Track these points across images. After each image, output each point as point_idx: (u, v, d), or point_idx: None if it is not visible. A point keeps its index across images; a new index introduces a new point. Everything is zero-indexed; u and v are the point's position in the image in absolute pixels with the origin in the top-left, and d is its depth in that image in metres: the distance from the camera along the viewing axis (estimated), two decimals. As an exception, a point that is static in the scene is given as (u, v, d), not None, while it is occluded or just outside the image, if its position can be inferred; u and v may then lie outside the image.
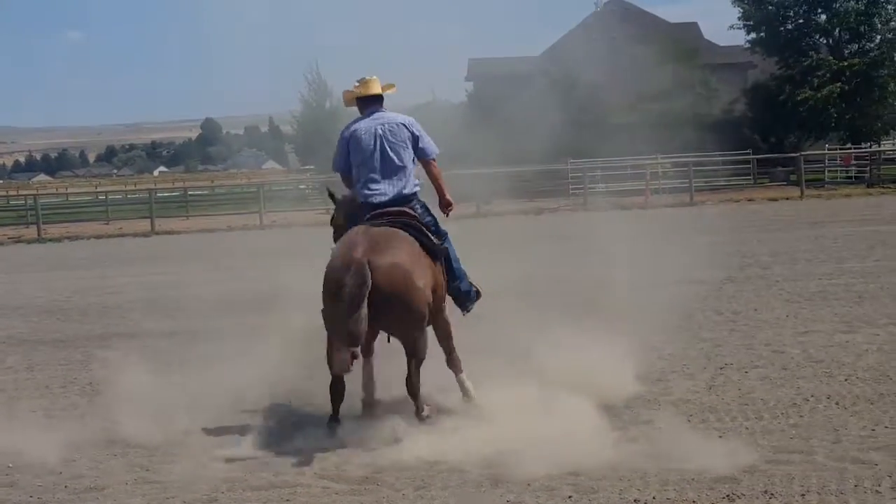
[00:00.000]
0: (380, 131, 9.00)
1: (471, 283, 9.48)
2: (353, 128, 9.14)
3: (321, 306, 8.55)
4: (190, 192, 59.74)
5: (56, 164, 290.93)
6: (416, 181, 9.16)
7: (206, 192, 68.68)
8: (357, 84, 9.25)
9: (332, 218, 9.84)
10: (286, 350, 10.75)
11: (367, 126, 9.08)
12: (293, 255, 17.19)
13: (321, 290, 8.47)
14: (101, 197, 60.12)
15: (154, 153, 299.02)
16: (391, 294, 8.26)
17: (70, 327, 16.08)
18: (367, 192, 8.95)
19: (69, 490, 7.76)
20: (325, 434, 8.48)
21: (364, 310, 8.07)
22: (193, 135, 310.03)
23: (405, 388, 8.68)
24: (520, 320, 11.17)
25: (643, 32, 56.77)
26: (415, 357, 8.62)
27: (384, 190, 8.92)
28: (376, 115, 9.14)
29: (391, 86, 9.35)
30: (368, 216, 8.81)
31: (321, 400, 9.01)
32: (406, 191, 9.00)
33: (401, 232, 8.67)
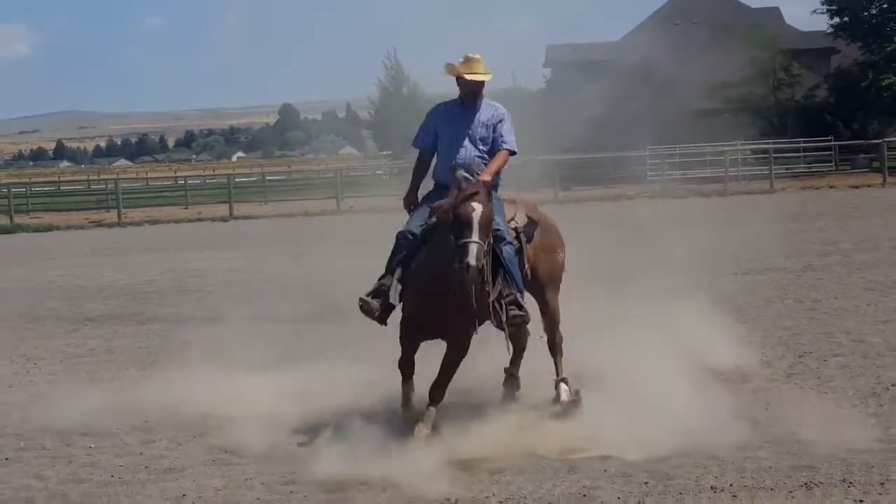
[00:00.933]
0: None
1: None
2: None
3: None
4: (268, 178, 60.26)
5: (136, 149, 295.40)
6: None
7: (283, 177, 69.27)
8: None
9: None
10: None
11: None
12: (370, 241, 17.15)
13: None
14: (181, 182, 60.81)
15: (232, 138, 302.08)
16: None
17: (150, 309, 16.33)
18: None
19: (149, 470, 7.90)
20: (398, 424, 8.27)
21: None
22: (272, 120, 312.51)
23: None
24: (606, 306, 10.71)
25: (724, 18, 56.10)
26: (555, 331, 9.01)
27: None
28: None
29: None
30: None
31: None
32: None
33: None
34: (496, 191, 8.55)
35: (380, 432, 7.97)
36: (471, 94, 8.67)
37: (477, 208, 7.72)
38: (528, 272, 8.64)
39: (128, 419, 9.17)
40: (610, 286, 10.92)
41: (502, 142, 8.60)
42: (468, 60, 8.61)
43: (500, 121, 8.64)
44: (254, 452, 8.10)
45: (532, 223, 8.79)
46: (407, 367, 8.38)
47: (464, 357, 8.26)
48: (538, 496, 6.90)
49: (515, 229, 8.60)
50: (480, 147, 8.62)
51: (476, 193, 7.82)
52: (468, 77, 8.58)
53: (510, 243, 8.41)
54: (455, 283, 7.71)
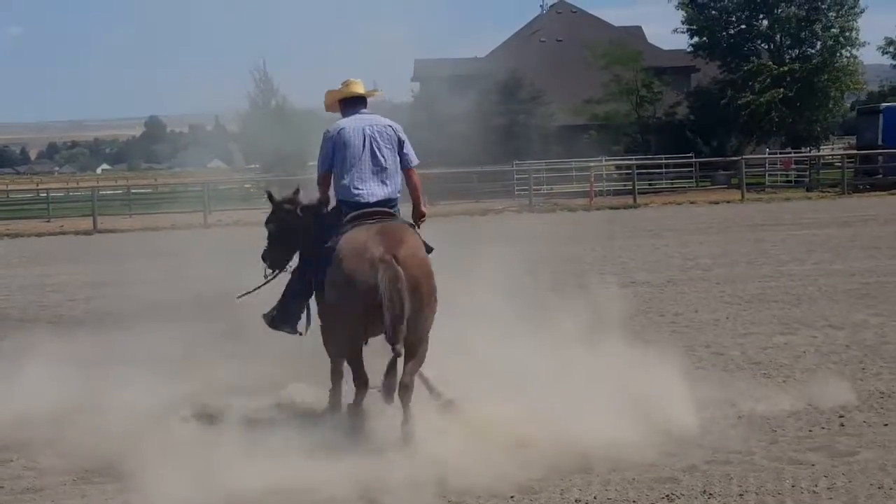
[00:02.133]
0: (368, 131, 8.70)
1: None
2: (339, 126, 8.79)
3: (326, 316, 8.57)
4: (133, 191, 59.18)
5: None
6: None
7: (149, 190, 68.13)
8: (341, 85, 8.97)
9: (269, 220, 9.40)
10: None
11: (354, 125, 8.76)
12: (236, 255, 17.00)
13: (334, 297, 8.26)
14: (43, 194, 59.36)
15: (97, 150, 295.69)
16: (416, 287, 7.98)
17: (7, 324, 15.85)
18: (355, 191, 8.59)
19: (6, 490, 7.72)
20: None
21: (406, 305, 7.80)
22: (137, 132, 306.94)
23: (397, 395, 8.06)
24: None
25: (588, 35, 57.17)
26: (418, 359, 8.29)
27: (373, 191, 8.61)
28: (361, 115, 8.88)
29: (375, 91, 9.15)
30: (353, 216, 8.49)
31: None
32: (394, 195, 8.76)
33: (406, 226, 8.61)
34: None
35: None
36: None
37: None
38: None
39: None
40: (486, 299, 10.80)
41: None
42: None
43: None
44: (118, 472, 7.88)
45: None
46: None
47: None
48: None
49: None
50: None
51: None
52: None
53: None
54: None
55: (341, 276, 8.14)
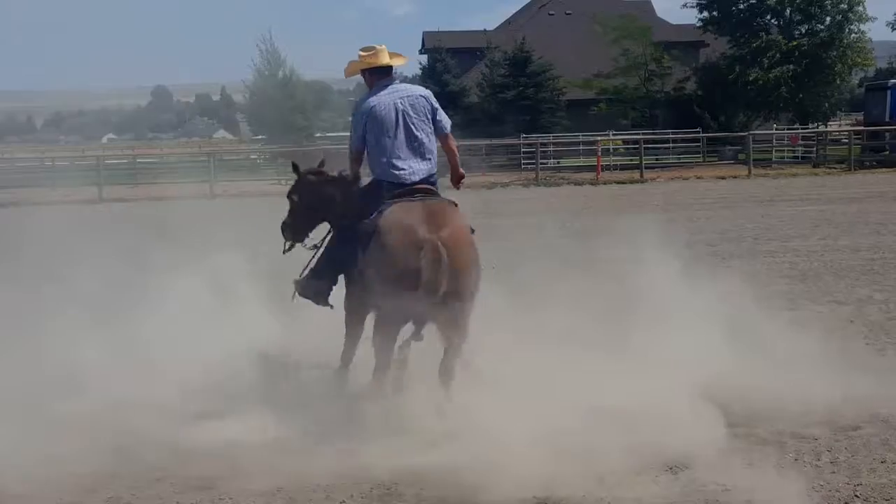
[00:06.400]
0: (400, 106, 8.40)
1: None
2: (370, 104, 8.42)
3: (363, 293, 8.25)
4: (139, 160, 59.11)
5: (2, 128, 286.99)
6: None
7: (155, 160, 68.08)
8: (364, 53, 8.62)
9: (293, 191, 9.03)
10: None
11: (385, 101, 8.42)
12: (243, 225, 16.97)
13: (376, 275, 7.95)
14: (48, 164, 59.21)
15: (103, 119, 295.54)
16: (460, 269, 7.80)
17: None
18: (396, 171, 8.31)
19: None
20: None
21: (446, 288, 7.63)
22: (143, 102, 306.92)
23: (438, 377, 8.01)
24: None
25: (598, 8, 56.98)
26: (460, 342, 8.07)
27: (414, 168, 8.35)
28: (392, 87, 8.54)
29: (401, 57, 8.82)
30: (396, 193, 8.24)
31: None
32: (434, 169, 8.52)
33: (451, 205, 8.33)
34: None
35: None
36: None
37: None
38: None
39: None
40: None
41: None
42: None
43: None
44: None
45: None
46: None
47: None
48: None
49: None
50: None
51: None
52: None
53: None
54: None
55: (384, 256, 7.90)
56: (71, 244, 12.90)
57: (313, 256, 8.88)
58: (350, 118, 8.66)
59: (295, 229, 8.99)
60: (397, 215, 7.99)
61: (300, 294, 8.87)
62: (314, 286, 8.77)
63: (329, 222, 8.90)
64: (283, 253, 9.00)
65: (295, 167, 9.11)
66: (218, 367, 9.07)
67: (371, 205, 8.26)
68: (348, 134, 8.80)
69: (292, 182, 9.15)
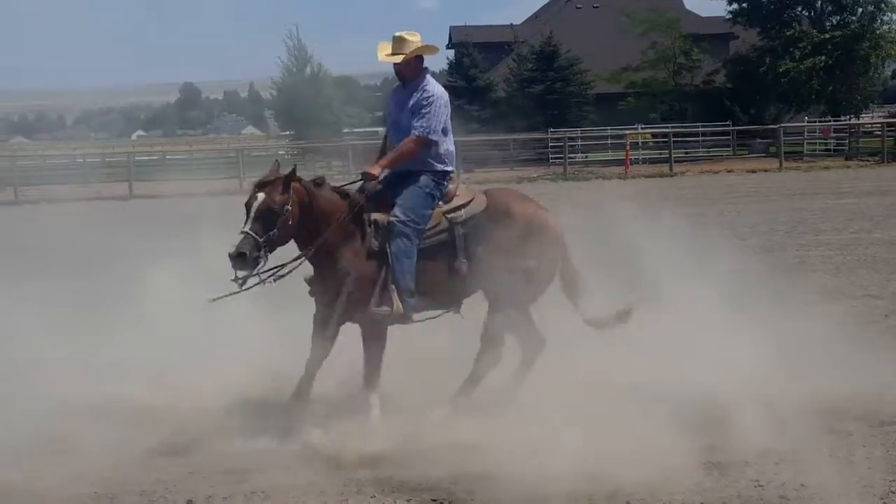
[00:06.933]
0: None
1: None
2: (442, 90, 8.23)
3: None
4: (168, 157, 59.36)
5: (33, 126, 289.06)
6: None
7: (184, 156, 68.38)
8: (395, 41, 8.16)
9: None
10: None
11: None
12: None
13: (549, 252, 8.28)
14: (80, 160, 59.57)
15: (132, 116, 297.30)
16: None
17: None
18: (451, 159, 8.30)
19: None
20: None
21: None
22: (172, 99, 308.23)
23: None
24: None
25: (625, 2, 56.71)
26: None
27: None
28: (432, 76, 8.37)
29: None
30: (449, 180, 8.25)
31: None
32: None
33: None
34: (444, 178, 8.20)
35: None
36: (398, 75, 8.31)
37: (258, 197, 7.52)
38: (463, 268, 8.04)
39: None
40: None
41: (412, 128, 8.05)
42: (393, 40, 8.18)
43: (422, 106, 8.05)
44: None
45: (482, 216, 8.14)
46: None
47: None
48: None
49: (452, 220, 8.11)
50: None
51: (270, 182, 7.56)
52: (379, 59, 8.16)
53: (406, 237, 7.89)
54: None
55: (555, 233, 8.40)
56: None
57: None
58: (423, 101, 8.08)
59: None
60: (539, 208, 8.47)
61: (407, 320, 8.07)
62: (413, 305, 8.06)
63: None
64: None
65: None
66: (257, 365, 9.02)
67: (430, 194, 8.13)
68: (377, 129, 8.62)
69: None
